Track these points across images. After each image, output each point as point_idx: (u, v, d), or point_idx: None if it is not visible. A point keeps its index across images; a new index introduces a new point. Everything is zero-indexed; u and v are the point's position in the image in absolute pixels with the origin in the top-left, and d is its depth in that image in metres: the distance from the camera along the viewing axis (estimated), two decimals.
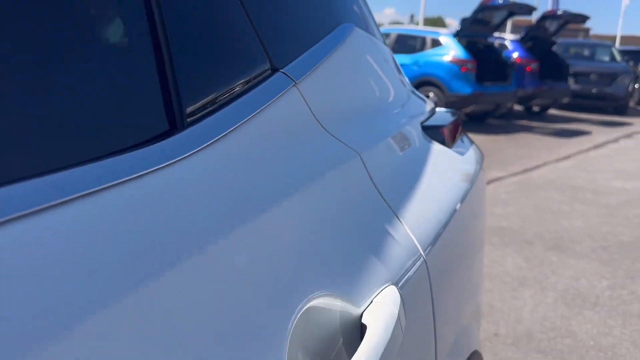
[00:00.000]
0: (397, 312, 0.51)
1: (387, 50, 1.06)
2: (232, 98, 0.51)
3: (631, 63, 15.10)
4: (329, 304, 0.47)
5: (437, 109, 1.14)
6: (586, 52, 15.15)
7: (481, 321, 1.13)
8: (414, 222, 0.67)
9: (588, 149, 8.56)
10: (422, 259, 0.65)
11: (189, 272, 0.38)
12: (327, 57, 0.67)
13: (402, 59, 9.31)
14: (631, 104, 14.97)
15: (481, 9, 9.56)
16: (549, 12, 11.84)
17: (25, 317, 0.29)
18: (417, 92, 1.16)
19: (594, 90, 13.51)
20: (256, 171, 0.49)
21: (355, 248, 0.55)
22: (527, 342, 2.68)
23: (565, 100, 12.48)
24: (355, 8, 0.88)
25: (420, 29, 12.09)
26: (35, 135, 0.36)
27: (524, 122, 11.12)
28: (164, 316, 0.35)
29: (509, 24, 17.99)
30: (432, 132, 0.95)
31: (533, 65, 11.08)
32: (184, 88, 0.45)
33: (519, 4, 9.75)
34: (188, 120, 0.45)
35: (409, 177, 0.74)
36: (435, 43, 9.90)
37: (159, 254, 0.37)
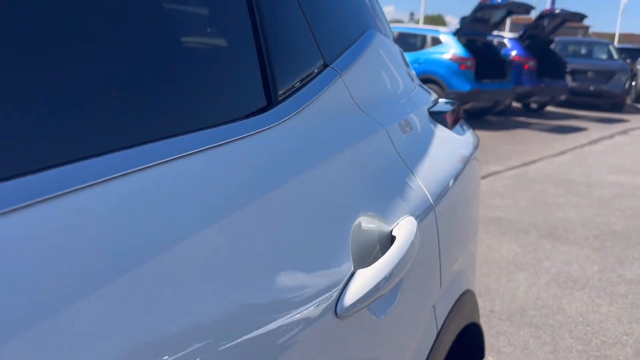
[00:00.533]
0: (415, 231, 0.74)
1: (399, 49, 1.29)
2: (301, 85, 0.74)
3: (628, 61, 15.33)
4: (372, 221, 0.71)
5: (440, 100, 1.37)
6: (584, 50, 15.38)
7: (475, 272, 1.36)
8: (426, 180, 0.90)
9: (583, 145, 8.80)
10: (431, 205, 0.88)
11: (297, 196, 0.62)
12: (360, 55, 0.90)
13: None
14: (628, 101, 15.21)
15: (480, 7, 9.79)
16: (546, 10, 12.06)
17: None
18: (423, 85, 1.39)
19: (591, 88, 13.75)
20: (321, 135, 0.72)
21: (386, 191, 0.79)
22: (520, 318, 2.91)
23: (563, 97, 12.72)
24: (376, 18, 1.11)
25: (420, 27, 12.30)
26: (194, 97, 0.59)
27: (522, 119, 11.36)
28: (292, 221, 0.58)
29: (507, 22, 18.19)
30: (437, 117, 1.18)
31: (531, 63, 11.32)
32: (277, 76, 0.68)
33: (517, 3, 9.97)
34: (280, 99, 0.68)
35: (420, 147, 0.98)
36: (436, 41, 10.14)
37: (280, 181, 0.60)
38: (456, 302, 1.01)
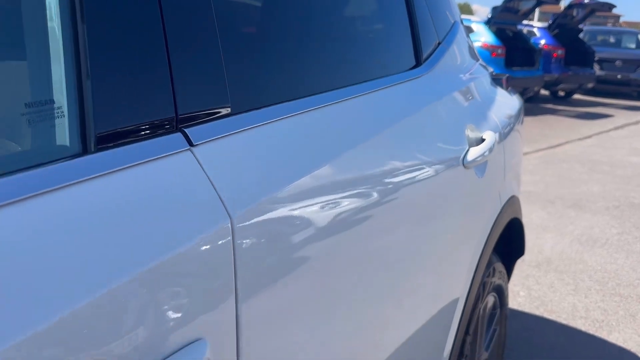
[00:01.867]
0: (494, 136, 1.30)
1: (466, 32, 1.84)
2: (430, 55, 1.29)
3: None
4: (472, 128, 1.27)
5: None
6: (612, 39, 15.59)
7: (519, 187, 1.92)
8: (495, 118, 1.46)
9: (609, 130, 9.18)
10: (498, 126, 1.44)
11: (437, 111, 1.17)
12: (454, 42, 1.45)
13: None
14: None
15: None
16: (575, 0, 12.36)
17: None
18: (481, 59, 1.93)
19: (618, 76, 13.99)
20: (443, 82, 1.27)
21: (478, 115, 1.35)
22: (546, 266, 3.44)
23: (590, 85, 13.02)
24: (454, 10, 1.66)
25: None
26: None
27: (550, 106, 11.74)
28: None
29: (536, 12, 18.36)
30: (496, 82, 1.73)
31: (559, 52, 11.67)
32: (422, 48, 1.23)
33: None
34: (422, 61, 1.24)
35: (490, 95, 1.54)
36: (468, 30, 10.55)
37: (429, 103, 1.16)
38: (508, 200, 1.56)
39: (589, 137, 8.42)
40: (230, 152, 0.67)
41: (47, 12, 0.55)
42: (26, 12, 0.56)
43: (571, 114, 10.80)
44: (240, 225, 0.62)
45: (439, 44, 1.35)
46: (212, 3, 0.67)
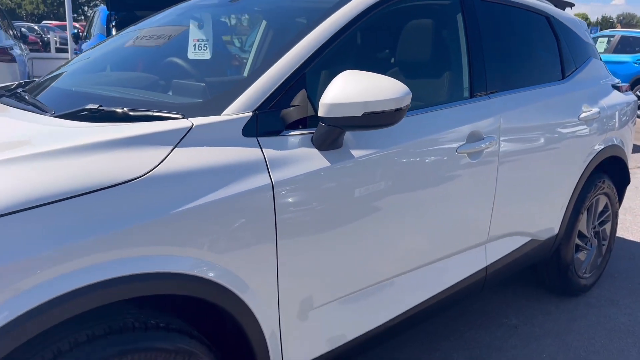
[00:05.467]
0: (599, 110, 2.89)
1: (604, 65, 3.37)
2: (567, 75, 2.91)
3: None
4: (587, 107, 2.86)
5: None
6: None
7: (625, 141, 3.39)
8: (603, 103, 3.00)
9: None
10: (602, 110, 2.99)
11: (564, 99, 2.80)
12: (585, 68, 3.03)
13: (623, 58, 10.76)
14: None
15: None
16: None
17: None
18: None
19: None
20: (579, 88, 2.89)
21: (594, 104, 2.93)
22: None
23: None
24: (592, 46, 3.22)
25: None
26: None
27: None
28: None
29: None
30: (617, 87, 3.26)
31: None
32: (565, 70, 2.86)
33: None
34: (565, 77, 2.86)
35: (605, 94, 3.10)
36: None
37: (567, 99, 2.79)
38: (609, 145, 3.08)
39: None
40: None
41: (461, 41, 2.34)
42: (452, 42, 2.38)
43: None
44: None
45: (575, 69, 2.94)
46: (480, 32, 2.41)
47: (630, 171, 3.53)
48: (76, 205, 1.23)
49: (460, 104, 2.22)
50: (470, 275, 2.34)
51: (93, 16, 9.22)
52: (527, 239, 2.66)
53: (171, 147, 1.43)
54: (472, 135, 2.17)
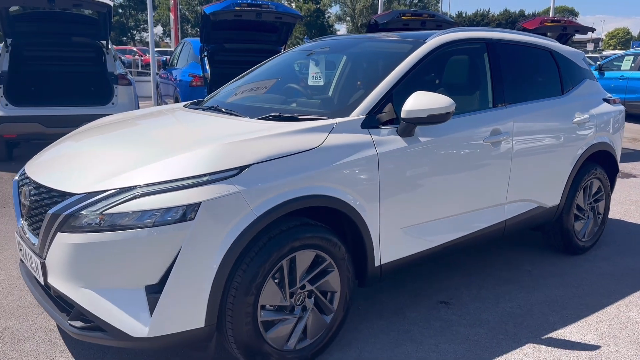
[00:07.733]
0: (589, 117, 4.06)
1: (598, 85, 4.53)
2: (563, 92, 4.09)
3: None
4: (579, 114, 4.03)
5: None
6: None
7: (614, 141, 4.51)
8: (593, 112, 4.16)
9: None
10: (591, 117, 4.14)
11: (562, 108, 3.98)
12: (580, 87, 4.19)
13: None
14: None
15: None
16: None
17: None
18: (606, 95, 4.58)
19: None
20: (573, 102, 4.06)
21: (585, 113, 4.09)
22: None
23: None
24: (588, 70, 4.39)
25: None
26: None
27: None
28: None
29: None
30: (607, 100, 4.42)
31: None
32: (564, 87, 4.03)
33: None
34: (564, 93, 4.03)
35: (596, 105, 4.25)
36: None
37: (565, 109, 3.98)
38: (599, 142, 4.21)
39: None
40: None
41: (486, 70, 3.59)
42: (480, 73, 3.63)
43: None
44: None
45: (572, 87, 4.11)
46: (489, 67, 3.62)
47: None
48: (292, 159, 2.51)
49: (486, 111, 3.47)
50: (495, 224, 3.54)
51: (178, 47, 10.65)
52: (535, 205, 3.84)
53: (327, 133, 2.71)
54: (494, 131, 3.38)
